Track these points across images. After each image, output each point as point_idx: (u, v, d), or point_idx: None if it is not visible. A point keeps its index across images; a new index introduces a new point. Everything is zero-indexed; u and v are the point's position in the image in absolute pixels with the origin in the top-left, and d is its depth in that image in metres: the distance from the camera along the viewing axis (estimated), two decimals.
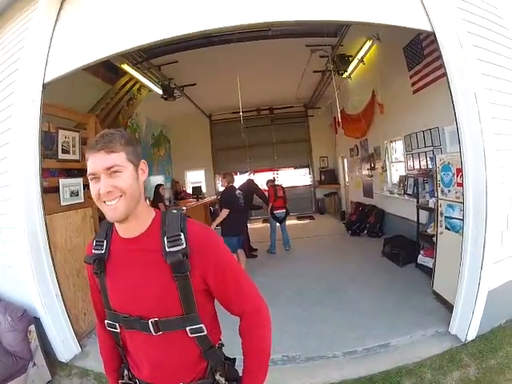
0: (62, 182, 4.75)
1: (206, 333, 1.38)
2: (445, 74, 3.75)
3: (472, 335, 3.65)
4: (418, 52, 6.13)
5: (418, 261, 5.96)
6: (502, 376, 3.11)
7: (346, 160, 13.27)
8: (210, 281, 1.37)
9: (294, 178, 15.32)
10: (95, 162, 1.26)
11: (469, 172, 3.58)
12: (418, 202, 6.24)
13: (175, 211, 1.42)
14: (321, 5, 3.58)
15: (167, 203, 10.08)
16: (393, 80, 7.51)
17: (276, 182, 9.30)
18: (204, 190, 14.55)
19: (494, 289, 3.63)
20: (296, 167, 15.40)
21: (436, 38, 3.64)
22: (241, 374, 1.51)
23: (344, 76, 8.61)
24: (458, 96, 3.58)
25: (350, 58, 8.18)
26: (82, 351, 4.25)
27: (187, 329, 1.35)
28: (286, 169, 15.32)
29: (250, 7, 3.59)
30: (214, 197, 13.32)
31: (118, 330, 1.43)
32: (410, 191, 7.21)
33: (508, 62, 3.85)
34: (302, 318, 4.61)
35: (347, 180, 13.46)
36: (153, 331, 1.32)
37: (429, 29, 3.65)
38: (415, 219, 6.56)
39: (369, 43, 7.33)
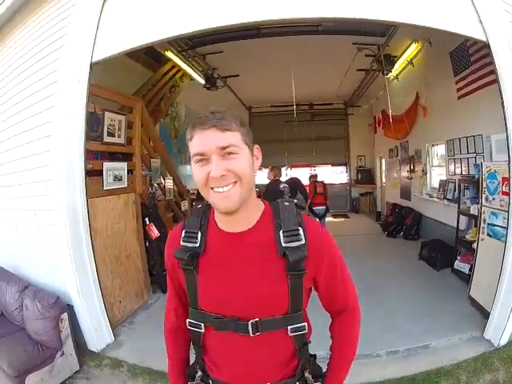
0: (106, 165, 4.65)
1: (306, 331, 1.29)
2: (496, 82, 3.78)
3: (504, 341, 3.72)
4: (464, 58, 6.09)
5: (455, 266, 5.94)
6: None
7: (383, 160, 13.20)
8: (320, 277, 1.29)
9: (331, 175, 15.26)
10: (206, 139, 1.09)
11: None
12: (459, 207, 6.21)
13: (287, 203, 1.28)
14: (376, 5, 3.62)
15: None
16: (438, 84, 7.45)
17: (318, 178, 9.28)
18: None
19: None
20: (333, 164, 15.36)
21: (490, 47, 3.64)
22: (324, 371, 1.46)
23: (389, 76, 8.57)
24: (509, 105, 3.60)
25: (395, 59, 8.15)
26: (115, 341, 4.15)
27: (289, 328, 1.24)
28: (323, 165, 15.24)
29: (301, 1, 3.59)
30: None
31: (203, 331, 1.30)
32: (449, 196, 7.20)
33: None
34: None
35: (384, 180, 13.39)
36: (251, 332, 1.20)
37: (483, 38, 3.65)
38: (453, 224, 6.56)
39: (414, 45, 7.31)
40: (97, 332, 3.98)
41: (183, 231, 1.27)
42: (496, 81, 4.69)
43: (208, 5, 3.65)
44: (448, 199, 7.25)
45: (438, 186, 8.12)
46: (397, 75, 8.82)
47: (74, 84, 3.78)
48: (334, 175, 15.37)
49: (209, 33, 6.30)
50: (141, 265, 5.27)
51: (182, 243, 1.25)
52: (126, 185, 5.00)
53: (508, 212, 3.77)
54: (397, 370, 3.49)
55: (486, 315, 4.11)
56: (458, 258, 5.95)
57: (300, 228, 1.20)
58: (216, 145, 1.07)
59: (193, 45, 7.59)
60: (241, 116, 1.20)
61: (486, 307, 4.25)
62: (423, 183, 8.96)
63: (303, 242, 1.17)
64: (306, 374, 1.35)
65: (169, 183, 7.41)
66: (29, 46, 4.23)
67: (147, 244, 5.64)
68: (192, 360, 1.52)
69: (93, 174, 4.36)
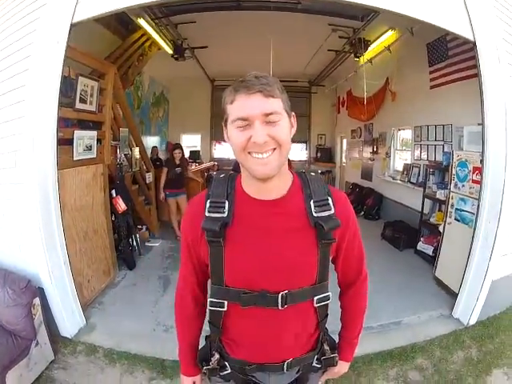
0: (77, 134, 4.36)
1: (330, 300, 1.32)
2: (470, 78, 3.97)
3: (473, 320, 4.04)
4: (442, 51, 6.27)
5: (418, 247, 6.25)
6: (500, 360, 3.52)
7: (345, 140, 13.43)
8: (342, 246, 1.31)
9: (291, 151, 15.29)
10: (250, 104, 1.07)
11: (489, 172, 3.86)
12: (424, 191, 6.49)
13: (313, 173, 1.30)
14: None
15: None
16: (410, 71, 7.65)
17: None
18: None
19: (497, 279, 3.99)
20: (293, 141, 15.09)
21: (476, 47, 3.82)
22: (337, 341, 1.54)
23: (361, 60, 8.71)
24: (488, 104, 3.81)
25: (369, 43, 8.25)
26: (86, 324, 3.98)
27: (315, 298, 1.27)
28: None
29: None
30: (211, 163, 13.05)
31: (225, 309, 1.27)
32: (413, 180, 7.54)
33: None
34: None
35: (344, 160, 13.67)
36: (280, 305, 1.20)
37: (471, 38, 3.82)
38: (415, 207, 6.98)
39: (391, 32, 7.44)
40: (69, 316, 3.77)
41: (208, 201, 1.23)
42: (470, 77, 4.99)
43: None
44: (412, 183, 7.57)
45: (401, 170, 8.43)
46: (370, 59, 8.93)
47: (52, 46, 3.46)
48: (293, 152, 15.39)
49: (186, 1, 6.25)
50: (108, 241, 5.12)
51: (207, 214, 1.20)
52: (95, 155, 4.76)
53: (479, 199, 4.02)
54: (373, 345, 3.67)
55: (452, 294, 4.48)
56: (422, 239, 6.27)
57: (329, 197, 1.23)
58: (261, 111, 1.06)
59: (167, 13, 7.35)
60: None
61: (452, 287, 4.60)
62: (386, 165, 9.25)
63: (333, 211, 1.21)
64: (325, 346, 1.43)
65: (135, 154, 7.28)
66: (7, 3, 3.86)
67: (113, 218, 5.49)
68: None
69: (62, 143, 3.94)
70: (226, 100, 1.14)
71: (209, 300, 1.29)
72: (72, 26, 3.57)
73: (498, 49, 3.71)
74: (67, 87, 4.10)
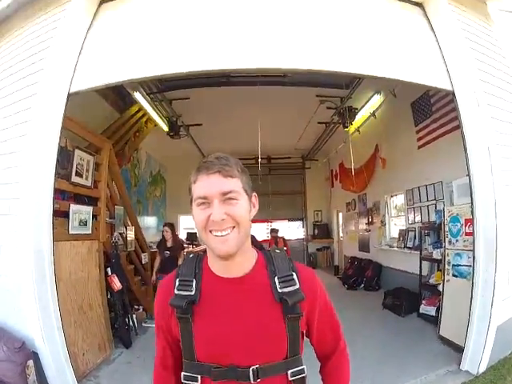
0: (73, 207, 4.42)
1: (305, 374, 1.27)
2: (455, 130, 4.03)
3: (483, 368, 3.84)
4: (426, 108, 6.46)
5: (421, 310, 6.07)
6: None
7: (340, 214, 13.45)
8: (313, 320, 1.30)
9: (288, 230, 15.19)
10: (209, 184, 1.12)
11: (480, 221, 3.83)
12: (421, 253, 6.40)
13: (278, 251, 1.33)
14: (345, 58, 3.83)
15: None
16: (398, 134, 7.83)
17: (279, 234, 9.33)
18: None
19: (501, 323, 3.84)
20: (290, 219, 15.41)
21: (455, 96, 3.94)
22: None
23: (350, 129, 8.91)
24: (472, 151, 3.86)
25: (357, 111, 8.49)
26: None
27: (289, 372, 1.23)
28: (279, 220, 15.00)
29: (269, 53, 3.74)
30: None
31: (199, 383, 1.24)
32: (410, 244, 7.43)
33: None
34: (314, 372, 4.60)
35: (341, 234, 13.59)
36: (252, 379, 1.17)
37: (449, 88, 3.95)
38: (414, 271, 6.79)
39: (377, 96, 7.69)
40: (63, 383, 3.66)
41: (177, 280, 1.25)
42: (455, 128, 5.06)
43: (188, 49, 3.74)
44: (408, 247, 7.45)
45: (397, 236, 8.34)
46: (358, 128, 9.18)
47: (50, 112, 3.60)
48: (290, 230, 15.35)
49: (181, 77, 6.46)
50: (103, 317, 5.00)
51: (176, 292, 1.22)
52: (90, 231, 4.78)
53: (473, 250, 3.93)
54: None
55: (458, 350, 4.27)
56: (423, 302, 6.08)
57: (293, 273, 1.23)
58: (219, 190, 1.10)
59: (162, 88, 7.65)
60: (240, 162, 1.22)
61: (457, 342, 4.40)
62: (382, 234, 9.18)
63: (297, 286, 1.20)
64: None
65: (130, 233, 7.20)
66: (9, 63, 4.04)
67: (109, 296, 5.40)
68: None
69: (58, 215, 4.05)
70: (191, 180, 1.18)
71: (182, 374, 1.26)
72: (69, 95, 3.72)
73: (476, 92, 3.79)
74: (64, 158, 4.21)
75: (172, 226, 6.89)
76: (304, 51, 3.76)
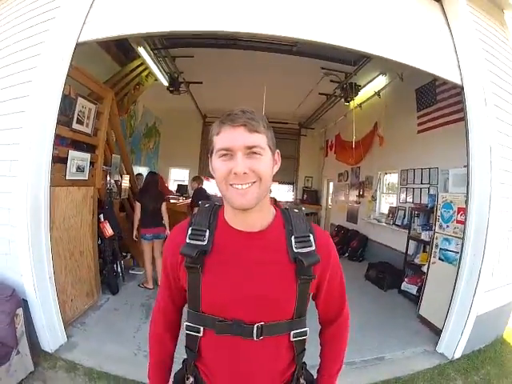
0: (72, 153, 4.44)
1: (307, 336, 1.32)
2: (457, 122, 4.13)
3: (458, 354, 4.08)
4: (430, 96, 6.55)
5: (402, 287, 6.33)
6: None
7: (331, 183, 13.63)
8: (323, 283, 1.31)
9: (278, 192, 15.40)
10: (233, 136, 1.11)
11: (473, 212, 4.01)
12: (409, 232, 6.63)
13: (297, 210, 1.32)
14: (358, 35, 3.84)
15: None
16: (399, 116, 7.91)
17: (271, 194, 9.33)
18: None
19: (481, 314, 4.07)
20: (280, 182, 15.41)
21: (463, 91, 4.04)
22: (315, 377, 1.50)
23: (351, 104, 8.97)
24: (473, 146, 4.00)
25: (359, 88, 8.52)
26: (67, 341, 3.95)
27: (292, 333, 1.26)
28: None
29: (281, 20, 3.69)
30: None
31: (201, 335, 1.26)
32: (399, 222, 7.66)
33: None
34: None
35: (330, 203, 13.83)
36: (255, 336, 1.19)
37: (458, 82, 4.05)
38: (399, 248, 7.09)
39: (382, 77, 7.76)
40: (50, 331, 3.75)
41: (190, 228, 1.26)
42: (457, 120, 5.21)
43: (198, 8, 3.67)
44: (397, 225, 7.69)
45: (387, 212, 8.57)
46: (360, 104, 9.23)
47: (57, 61, 3.59)
48: (280, 192, 15.51)
49: (188, 35, 6.41)
50: (93, 263, 5.11)
51: (188, 240, 1.23)
52: (86, 177, 4.82)
53: (463, 238, 4.14)
54: (357, 379, 3.63)
55: (436, 332, 4.52)
56: (406, 279, 6.34)
57: (311, 234, 1.24)
58: (243, 143, 1.11)
59: (167, 45, 7.54)
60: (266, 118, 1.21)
61: (436, 324, 4.65)
62: (371, 208, 9.39)
63: (313, 247, 1.22)
64: (301, 381, 1.39)
65: (125, 181, 7.29)
66: (20, 12, 4.00)
67: (99, 242, 5.49)
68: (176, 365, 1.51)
69: (56, 161, 4.06)
70: (213, 131, 1.19)
71: (185, 324, 1.30)
72: (77, 45, 3.71)
73: (484, 91, 3.90)
74: (66, 106, 4.18)
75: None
76: (317, 23, 3.74)
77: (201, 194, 6.88)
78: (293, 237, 1.23)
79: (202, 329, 1.25)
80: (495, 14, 4.29)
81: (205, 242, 1.21)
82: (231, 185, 1.13)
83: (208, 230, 1.24)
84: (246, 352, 1.24)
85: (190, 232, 1.24)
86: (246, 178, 1.11)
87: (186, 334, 1.30)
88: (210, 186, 9.16)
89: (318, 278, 1.26)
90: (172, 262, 1.30)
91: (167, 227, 6.02)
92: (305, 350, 1.37)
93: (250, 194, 1.13)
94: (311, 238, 1.23)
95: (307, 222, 1.28)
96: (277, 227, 1.26)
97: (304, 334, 1.30)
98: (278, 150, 1.27)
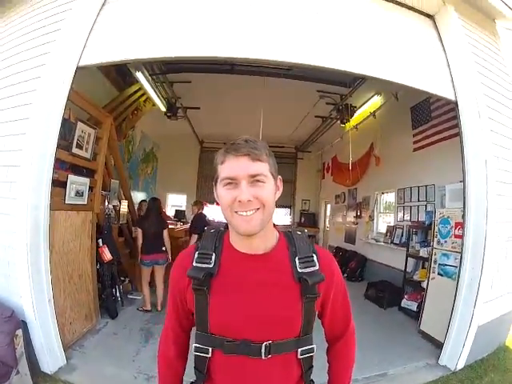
0: (71, 178, 4.45)
1: (314, 353, 1.33)
2: (451, 138, 4.20)
3: (461, 365, 4.07)
4: (425, 113, 6.67)
5: (402, 304, 6.33)
6: None
7: (329, 205, 13.70)
8: (328, 301, 1.34)
9: (275, 216, 15.34)
10: (238, 166, 1.15)
11: (471, 225, 4.06)
12: (407, 250, 6.65)
13: (299, 232, 1.36)
14: (352, 58, 3.94)
15: None
16: (394, 135, 8.04)
17: None
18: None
19: (482, 324, 4.07)
20: (278, 206, 15.42)
21: (457, 106, 4.14)
22: None
23: (346, 126, 9.10)
24: (469, 160, 4.08)
25: (355, 109, 8.69)
26: (67, 363, 3.90)
27: (299, 350, 1.28)
28: None
29: (276, 45, 3.79)
30: None
31: (209, 355, 1.28)
32: (397, 241, 7.69)
33: (511, 134, 4.37)
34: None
35: (328, 225, 13.87)
36: (263, 355, 1.21)
37: (452, 97, 4.15)
38: (398, 266, 7.11)
39: (377, 97, 7.92)
40: (50, 353, 3.72)
41: (196, 252, 1.29)
42: (451, 136, 5.30)
43: (196, 35, 3.78)
44: (395, 243, 7.71)
45: (385, 232, 8.60)
46: (356, 125, 9.36)
47: (58, 84, 3.67)
48: (278, 216, 15.52)
49: (185, 61, 6.54)
50: (91, 287, 5.09)
51: (195, 264, 1.26)
52: (85, 202, 4.83)
53: (461, 252, 4.18)
54: None
55: (437, 346, 4.51)
56: (406, 296, 6.35)
57: (314, 255, 1.27)
58: (247, 172, 1.14)
59: (165, 70, 7.69)
60: (268, 146, 1.25)
61: (437, 338, 4.66)
62: (369, 228, 9.42)
63: (317, 267, 1.24)
64: None
65: (124, 206, 7.32)
66: (22, 32, 4.08)
67: (98, 266, 5.47)
68: None
69: (55, 185, 4.01)
70: (218, 160, 1.22)
71: (194, 345, 1.30)
72: (78, 68, 3.79)
73: (478, 105, 3.99)
74: (66, 130, 4.22)
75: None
76: (311, 47, 3.84)
77: (201, 219, 6.80)
78: (297, 258, 1.25)
79: (210, 349, 1.27)
80: (487, 26, 4.40)
81: (211, 265, 1.24)
82: (236, 212, 1.17)
83: (214, 254, 1.27)
84: (254, 371, 1.24)
85: (196, 256, 1.27)
86: (250, 205, 1.15)
87: (195, 355, 1.31)
88: (210, 212, 9.20)
89: (322, 296, 1.28)
90: (179, 286, 1.32)
91: (169, 253, 6.02)
92: (312, 366, 1.37)
93: (254, 221, 1.16)
94: (315, 258, 1.27)
95: (310, 243, 1.31)
96: (281, 249, 1.29)
97: (311, 350, 1.31)
98: (279, 176, 1.29)
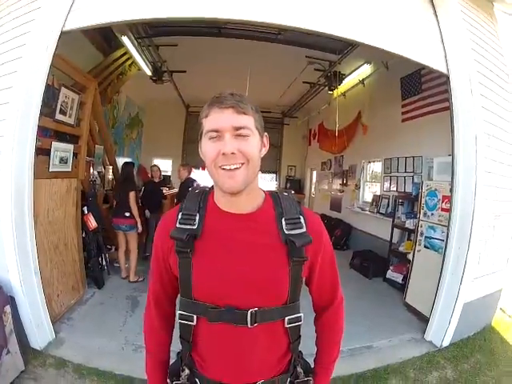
0: (55, 145, 4.34)
1: (301, 322, 1.30)
2: (441, 111, 4.14)
3: (446, 342, 4.13)
4: (415, 85, 6.57)
5: (387, 275, 6.39)
6: (477, 378, 3.60)
7: (315, 172, 13.71)
8: (315, 267, 1.30)
9: (260, 181, 15.34)
10: (222, 118, 1.11)
11: (458, 200, 4.04)
12: (393, 221, 6.66)
13: (286, 193, 1.32)
14: (344, 22, 3.79)
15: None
16: (383, 105, 7.95)
17: None
18: None
19: (469, 302, 4.12)
20: (263, 172, 15.38)
21: (449, 80, 4.05)
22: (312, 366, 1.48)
23: (334, 93, 8.97)
24: (459, 135, 4.02)
25: (344, 76, 8.56)
26: (55, 337, 3.88)
27: (286, 319, 1.25)
28: None
29: (266, 7, 3.61)
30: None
31: (194, 323, 1.25)
32: (383, 210, 7.72)
33: (503, 113, 4.32)
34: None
35: (313, 192, 13.91)
36: (249, 323, 1.18)
37: (444, 71, 4.06)
38: (384, 236, 7.14)
39: (367, 66, 7.78)
40: (38, 328, 3.67)
41: (180, 213, 1.25)
42: (441, 110, 5.23)
43: None
44: (381, 213, 7.74)
45: (370, 201, 8.62)
46: (344, 92, 9.24)
47: (41, 51, 3.48)
48: (263, 182, 15.52)
49: (172, 23, 6.30)
50: (77, 256, 4.98)
51: (178, 225, 1.22)
52: (70, 169, 4.70)
53: (448, 227, 4.18)
54: (344, 368, 3.60)
55: (422, 319, 4.57)
56: (391, 268, 6.41)
57: (301, 216, 1.24)
58: (231, 124, 1.11)
59: (151, 33, 7.41)
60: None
61: (423, 312, 4.71)
62: (355, 197, 9.45)
63: (304, 229, 1.21)
64: (298, 369, 1.38)
65: (109, 173, 7.21)
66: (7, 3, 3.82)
67: (83, 235, 5.36)
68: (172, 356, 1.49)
69: (39, 153, 3.92)
70: (202, 114, 1.18)
71: (178, 312, 1.28)
72: (62, 33, 3.60)
73: (471, 81, 3.92)
74: (49, 96, 4.07)
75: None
76: (301, 9, 3.67)
77: (187, 185, 6.63)
78: (283, 219, 1.22)
79: (195, 317, 1.24)
80: (484, 6, 4.27)
81: (195, 226, 1.21)
82: (220, 167, 1.13)
83: (198, 214, 1.23)
84: (240, 341, 1.22)
85: (179, 217, 1.23)
86: (234, 158, 1.11)
87: (180, 323, 1.29)
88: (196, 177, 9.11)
89: (310, 260, 1.24)
90: (163, 248, 1.28)
91: (137, 220, 5.86)
92: (300, 337, 1.35)
93: (238, 176, 1.13)
94: (302, 220, 1.23)
95: (297, 204, 1.28)
96: (267, 210, 1.25)
97: (299, 319, 1.28)
98: (266, 134, 1.26)
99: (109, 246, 6.85)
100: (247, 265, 1.18)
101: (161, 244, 1.29)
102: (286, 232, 1.19)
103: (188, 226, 1.20)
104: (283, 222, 1.21)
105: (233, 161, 1.11)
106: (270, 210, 1.25)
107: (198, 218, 1.22)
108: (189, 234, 1.18)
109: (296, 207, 1.26)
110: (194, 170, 7.69)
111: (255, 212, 1.24)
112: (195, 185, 6.20)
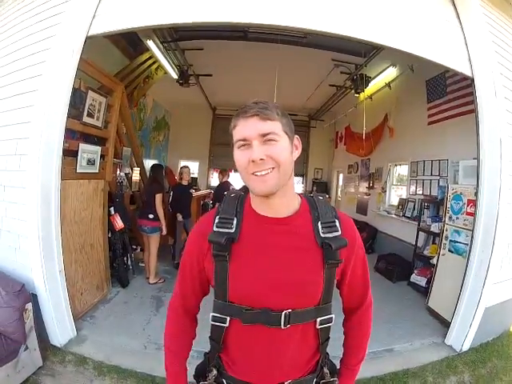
0: (82, 147, 4.44)
1: (332, 323, 1.32)
2: (467, 114, 4.09)
3: (466, 347, 4.09)
4: (440, 87, 6.51)
5: (411, 279, 6.33)
6: (493, 383, 3.59)
7: (341, 175, 13.62)
8: (348, 269, 1.32)
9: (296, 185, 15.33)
10: (247, 126, 1.15)
11: (483, 204, 3.99)
12: (419, 224, 6.62)
13: (321, 197, 1.35)
14: (369, 25, 3.80)
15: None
16: (409, 108, 7.88)
17: None
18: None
19: (490, 306, 4.08)
20: None
21: (474, 83, 4.01)
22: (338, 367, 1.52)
23: (361, 96, 8.95)
24: (484, 138, 3.97)
25: (370, 79, 8.48)
26: (77, 335, 3.95)
27: (318, 320, 1.27)
28: None
29: (292, 11, 3.64)
30: (207, 190, 12.77)
31: (227, 325, 1.26)
32: (408, 214, 7.63)
33: None
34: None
35: (339, 194, 13.85)
36: (282, 324, 1.20)
37: (469, 74, 4.01)
38: (409, 240, 7.08)
39: (392, 69, 7.75)
40: (60, 325, 3.74)
41: (217, 217, 1.27)
42: (467, 112, 5.17)
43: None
44: (407, 217, 7.66)
45: (397, 204, 8.54)
46: (371, 95, 9.20)
47: (67, 55, 3.57)
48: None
49: (198, 27, 6.40)
50: (103, 256, 5.13)
51: (215, 229, 1.23)
52: (97, 170, 4.80)
53: (472, 230, 4.13)
54: (365, 370, 3.56)
55: (444, 324, 4.54)
56: (415, 271, 6.36)
57: (336, 220, 1.26)
58: (257, 131, 1.13)
59: (176, 37, 7.51)
60: (281, 107, 1.23)
61: (445, 316, 4.66)
62: (381, 200, 9.36)
63: (339, 233, 1.23)
64: (325, 370, 1.39)
65: (136, 174, 7.34)
66: (31, 5, 3.99)
67: (109, 235, 5.49)
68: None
69: (66, 155, 3.99)
70: (231, 126, 1.22)
71: (211, 315, 1.29)
72: (87, 38, 3.71)
73: (495, 84, 3.88)
74: (76, 99, 4.20)
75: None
76: (327, 13, 3.71)
77: (225, 188, 6.64)
78: (319, 222, 1.24)
79: (228, 319, 1.26)
80: (505, 8, 4.23)
81: (232, 230, 1.23)
82: (252, 173, 1.16)
83: (235, 218, 1.25)
84: (272, 342, 1.24)
85: (217, 220, 1.25)
86: (264, 164, 1.14)
87: (212, 325, 1.31)
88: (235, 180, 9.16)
89: (343, 262, 1.27)
90: (198, 252, 1.31)
91: (162, 222, 5.90)
92: (329, 338, 1.38)
93: (269, 180, 1.15)
94: (337, 223, 1.26)
95: (332, 208, 1.30)
96: (303, 213, 1.28)
97: (330, 320, 1.31)
98: (297, 136, 1.29)
99: (134, 246, 6.96)
100: (284, 268, 1.21)
101: (197, 248, 1.31)
102: (322, 235, 1.22)
103: (226, 230, 1.22)
104: (319, 226, 1.24)
105: (263, 167, 1.14)
106: (307, 213, 1.28)
107: (235, 221, 1.24)
108: (227, 238, 1.20)
109: (332, 211, 1.29)
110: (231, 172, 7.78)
111: (292, 216, 1.27)
112: (231, 189, 6.30)
